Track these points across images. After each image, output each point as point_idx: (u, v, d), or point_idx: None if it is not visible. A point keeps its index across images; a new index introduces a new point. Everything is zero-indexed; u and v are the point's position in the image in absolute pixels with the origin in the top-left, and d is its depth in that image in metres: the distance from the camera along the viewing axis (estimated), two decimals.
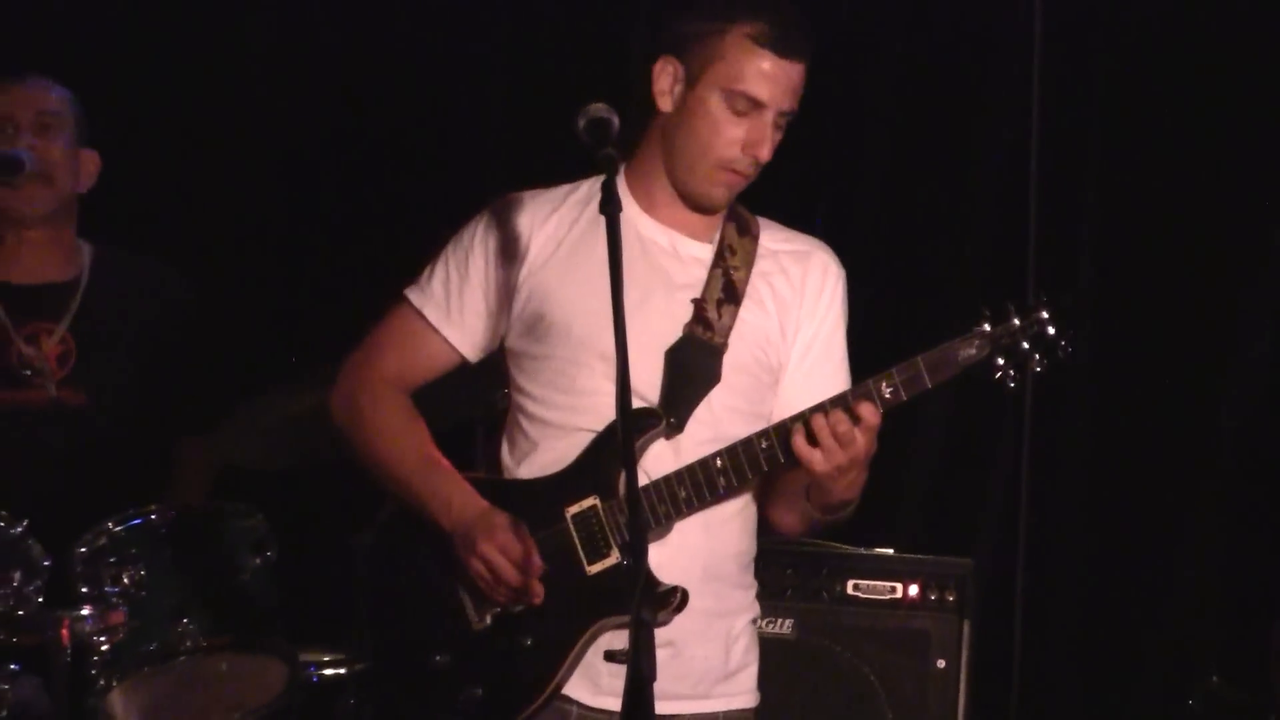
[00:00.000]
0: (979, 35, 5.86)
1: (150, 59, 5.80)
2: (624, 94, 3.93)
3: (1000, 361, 3.92)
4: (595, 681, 3.94)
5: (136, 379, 5.03)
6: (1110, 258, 5.79)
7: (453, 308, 4.05)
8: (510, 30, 5.89)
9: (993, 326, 3.93)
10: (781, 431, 3.88)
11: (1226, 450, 5.72)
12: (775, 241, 4.08)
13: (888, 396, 3.84)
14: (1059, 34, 5.74)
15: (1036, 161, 5.79)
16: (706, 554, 3.95)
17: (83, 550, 4.42)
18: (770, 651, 4.71)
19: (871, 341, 4.29)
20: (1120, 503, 5.74)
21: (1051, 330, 3.93)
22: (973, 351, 3.92)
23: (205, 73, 5.82)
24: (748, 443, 3.88)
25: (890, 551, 5.28)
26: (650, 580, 3.81)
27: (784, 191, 5.36)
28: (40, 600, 4.36)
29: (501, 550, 3.88)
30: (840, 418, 3.80)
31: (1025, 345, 3.91)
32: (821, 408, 3.86)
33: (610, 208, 3.56)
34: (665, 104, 3.94)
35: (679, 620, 3.84)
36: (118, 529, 4.47)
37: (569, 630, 3.94)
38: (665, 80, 3.93)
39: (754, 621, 4.11)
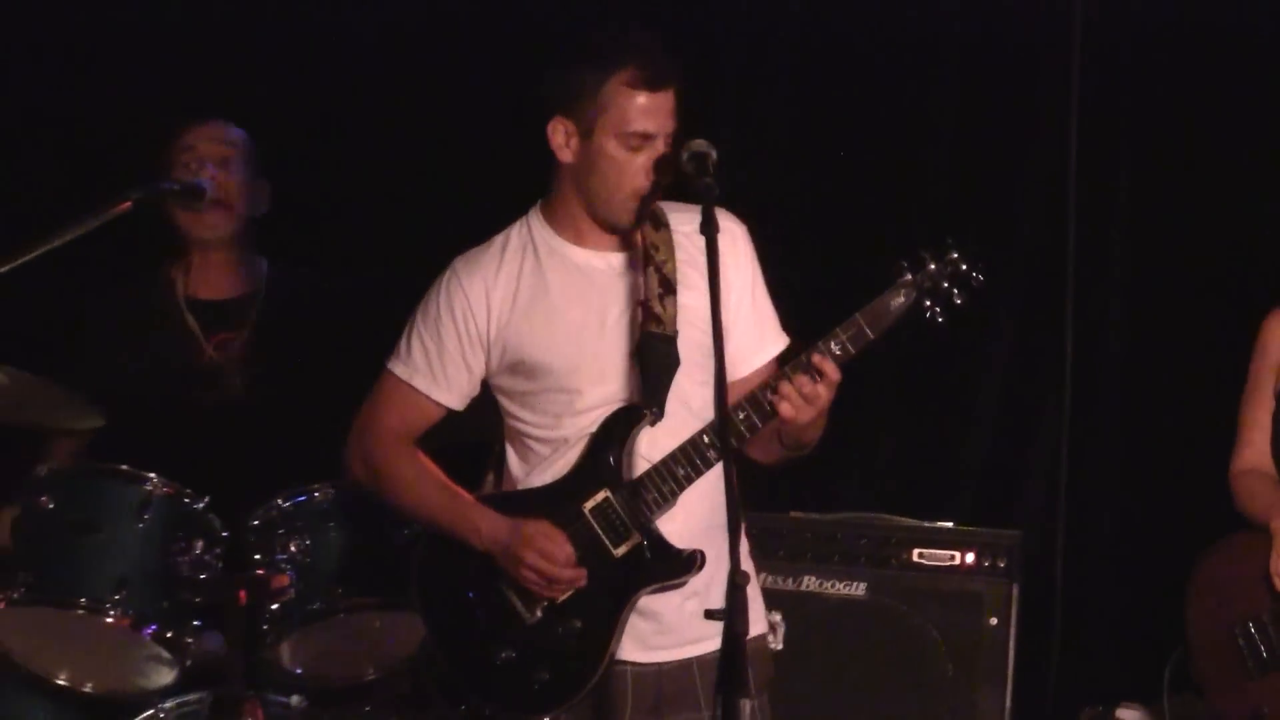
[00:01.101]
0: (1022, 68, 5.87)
1: (313, 102, 5.99)
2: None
3: (927, 303, 4.07)
4: (643, 641, 4.11)
5: (307, 373, 5.19)
6: (1144, 257, 5.87)
7: (436, 374, 4.18)
8: None
9: (913, 274, 4.07)
10: (754, 401, 4.01)
11: None
12: (682, 224, 4.12)
13: (838, 353, 3.99)
14: (1095, 60, 5.77)
15: (1074, 178, 5.83)
16: (707, 512, 4.07)
17: (256, 523, 4.70)
18: (845, 610, 5.34)
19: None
20: (1147, 484, 5.85)
21: (964, 266, 4.07)
22: (901, 299, 4.06)
23: (360, 117, 5.99)
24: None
25: (950, 525, 5.49)
26: (668, 549, 4.07)
27: (854, 209, 5.72)
28: (220, 566, 4.65)
29: (543, 555, 4.05)
30: (804, 380, 3.97)
31: (945, 284, 4.07)
32: (784, 374, 4.01)
33: (709, 229, 3.79)
34: (565, 157, 4.06)
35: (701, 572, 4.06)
36: (286, 505, 4.72)
37: (612, 606, 4.10)
38: (560, 138, 4.05)
39: (749, 554, 4.22)
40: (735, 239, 4.18)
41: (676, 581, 4.10)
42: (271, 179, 5.28)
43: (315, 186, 5.81)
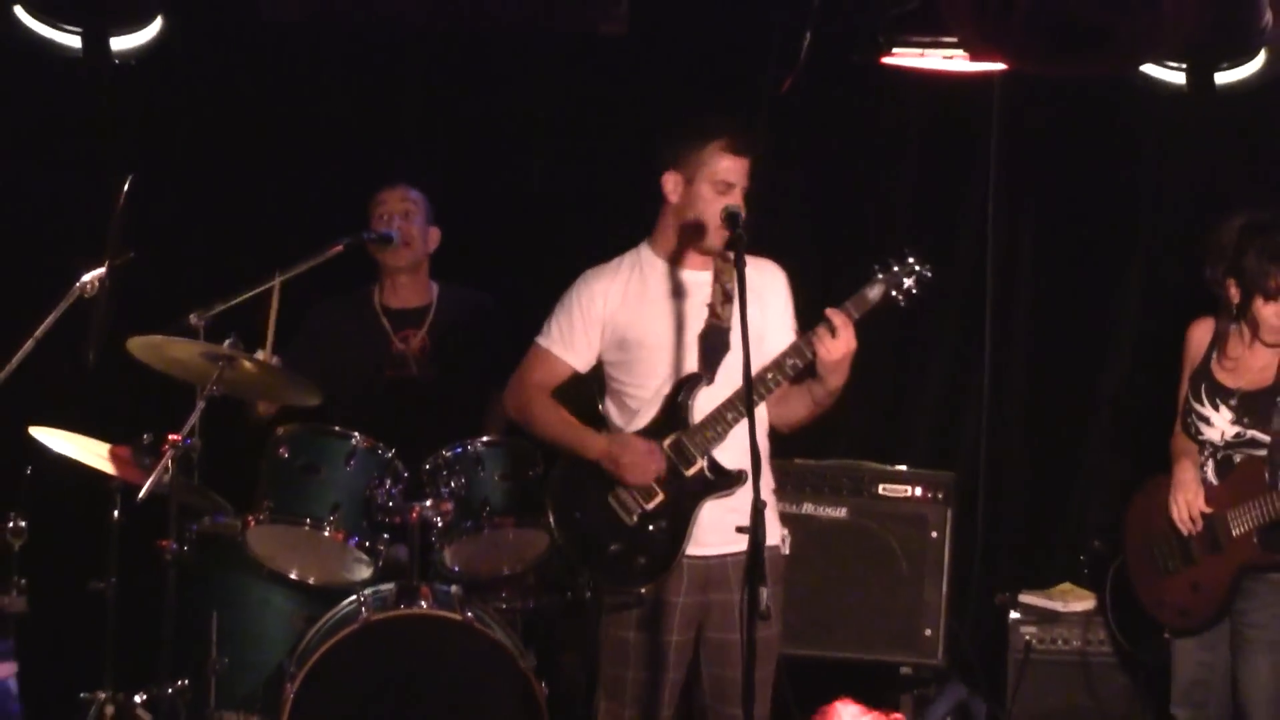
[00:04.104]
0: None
1: (473, 165, 6.68)
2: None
3: (893, 293, 4.82)
4: (697, 541, 4.87)
5: (466, 360, 5.95)
6: (1044, 281, 6.64)
7: (567, 343, 4.96)
8: None
9: (884, 273, 4.83)
10: (777, 365, 4.70)
11: (1106, 403, 6.59)
12: (748, 265, 4.67)
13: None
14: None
15: (993, 216, 6.66)
16: (743, 451, 4.62)
17: (427, 467, 5.43)
18: (832, 528, 6.13)
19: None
20: (1042, 442, 6.67)
21: (919, 267, 4.84)
22: (877, 290, 4.82)
23: (499, 170, 6.67)
24: (760, 375, 4.70)
25: (905, 467, 6.27)
26: (722, 469, 4.82)
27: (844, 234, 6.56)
28: (402, 497, 5.39)
29: (631, 450, 4.82)
30: (824, 330, 4.72)
31: (905, 279, 4.83)
32: (810, 333, 4.69)
33: (740, 263, 4.54)
34: (673, 199, 4.84)
35: (739, 491, 4.76)
36: (448, 454, 5.45)
37: (684, 512, 4.84)
38: (671, 185, 4.83)
39: (773, 491, 4.89)
40: (776, 276, 5.00)
41: (729, 491, 4.81)
42: (442, 225, 6.08)
43: (473, 230, 6.43)
